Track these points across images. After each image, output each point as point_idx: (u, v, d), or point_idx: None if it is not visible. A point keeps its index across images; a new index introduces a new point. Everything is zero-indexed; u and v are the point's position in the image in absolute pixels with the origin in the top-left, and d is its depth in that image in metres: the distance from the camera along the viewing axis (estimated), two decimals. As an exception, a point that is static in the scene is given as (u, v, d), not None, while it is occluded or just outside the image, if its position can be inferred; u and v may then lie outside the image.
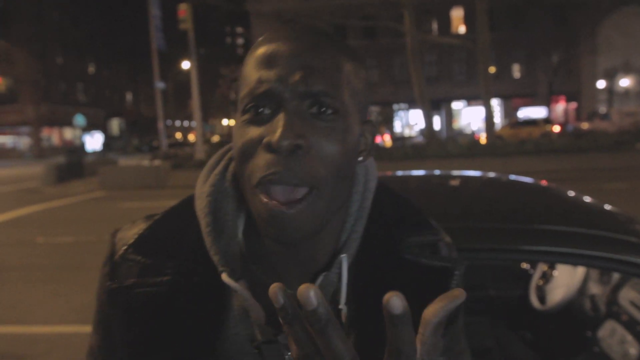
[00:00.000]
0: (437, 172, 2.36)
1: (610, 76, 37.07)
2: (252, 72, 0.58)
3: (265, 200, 0.55)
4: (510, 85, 36.67)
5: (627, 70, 36.47)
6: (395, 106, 38.30)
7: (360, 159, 0.64)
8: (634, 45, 34.88)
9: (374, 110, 34.96)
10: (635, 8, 32.75)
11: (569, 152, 15.19)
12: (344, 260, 0.64)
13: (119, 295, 0.65)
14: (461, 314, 0.74)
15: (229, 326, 0.63)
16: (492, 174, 2.33)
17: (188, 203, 0.70)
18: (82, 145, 30.93)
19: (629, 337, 1.84)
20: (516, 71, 37.85)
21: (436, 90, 34.50)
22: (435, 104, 34.19)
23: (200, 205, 0.66)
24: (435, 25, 36.62)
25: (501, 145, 16.65)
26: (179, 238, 0.66)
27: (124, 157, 29.11)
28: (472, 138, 24.51)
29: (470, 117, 38.58)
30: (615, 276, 2.06)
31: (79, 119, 26.96)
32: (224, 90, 39.78)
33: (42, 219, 10.43)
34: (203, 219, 0.65)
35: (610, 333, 1.93)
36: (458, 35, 34.15)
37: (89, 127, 41.69)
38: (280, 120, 0.55)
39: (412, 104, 33.51)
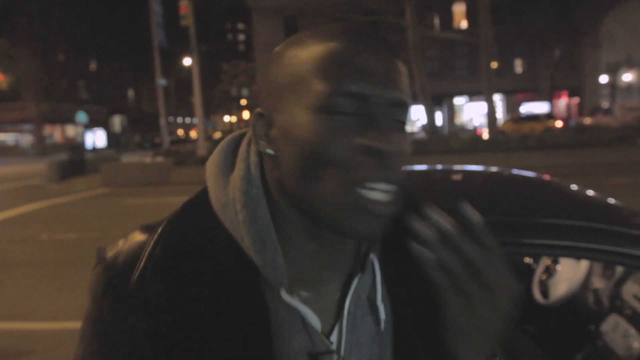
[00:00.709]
0: (439, 166, 2.35)
1: (613, 71, 36.93)
2: (331, 68, 0.57)
3: (363, 198, 0.57)
4: (513, 81, 36.55)
5: (630, 65, 36.33)
6: (397, 102, 38.13)
7: None
8: (637, 40, 34.74)
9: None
10: (639, 2, 32.57)
11: (571, 148, 15.15)
12: (375, 260, 0.67)
13: (140, 326, 0.60)
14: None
15: (282, 341, 0.61)
16: (494, 168, 2.33)
17: (200, 213, 0.65)
18: (82, 143, 30.90)
19: (632, 331, 1.85)
20: (518, 66, 37.74)
21: (438, 86, 34.42)
22: (437, 100, 34.11)
23: (237, 218, 0.62)
24: (437, 21, 36.49)
25: (503, 141, 16.60)
26: (205, 254, 0.62)
27: (126, 154, 29.14)
28: (474, 133, 24.47)
29: (472, 113, 38.49)
30: (619, 270, 2.06)
31: (81, 116, 26.96)
32: (226, 87, 39.73)
33: (45, 216, 10.46)
34: (247, 234, 0.61)
35: (613, 327, 1.93)
36: (460, 30, 34.03)
37: (91, 124, 41.72)
38: (379, 125, 0.57)
39: (414, 100, 33.43)
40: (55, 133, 44.42)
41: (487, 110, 17.65)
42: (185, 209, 0.67)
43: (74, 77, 45.55)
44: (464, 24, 36.30)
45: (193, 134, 45.47)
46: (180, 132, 54.57)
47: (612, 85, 37.90)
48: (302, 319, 0.62)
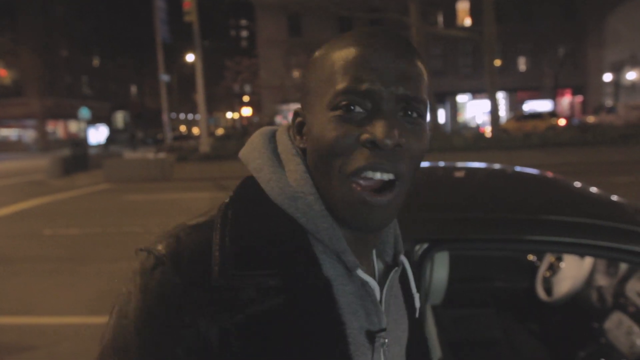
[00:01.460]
0: (442, 163, 2.35)
1: (617, 69, 36.73)
2: (346, 70, 0.62)
3: (358, 188, 0.61)
4: (516, 78, 36.42)
5: (634, 63, 36.13)
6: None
7: None
8: (642, 38, 34.53)
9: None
10: (643, 0, 32.40)
11: (574, 146, 15.13)
12: (403, 258, 0.74)
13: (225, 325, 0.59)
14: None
15: (348, 323, 0.65)
16: (497, 165, 2.33)
17: (258, 204, 0.67)
18: (85, 139, 30.88)
19: (636, 328, 1.84)
20: (522, 64, 37.60)
21: (441, 83, 34.35)
22: (440, 97, 34.07)
23: (310, 209, 0.64)
24: (440, 18, 36.38)
25: (506, 139, 16.58)
26: (279, 245, 0.63)
27: (129, 150, 29.18)
28: (477, 131, 24.40)
29: (475, 111, 38.38)
30: (623, 268, 2.05)
31: (84, 112, 26.94)
32: (229, 83, 39.69)
33: (48, 211, 10.48)
34: (323, 224, 0.64)
35: (617, 324, 1.93)
36: (464, 28, 33.90)
37: (94, 120, 41.72)
38: (381, 120, 0.60)
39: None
40: (58, 129, 44.47)
41: (490, 108, 17.63)
42: (240, 201, 0.68)
43: (77, 72, 45.55)
44: (467, 22, 36.17)
45: (195, 130, 45.45)
46: (183, 128, 54.58)
47: (616, 83, 37.71)
48: (362, 300, 0.66)
